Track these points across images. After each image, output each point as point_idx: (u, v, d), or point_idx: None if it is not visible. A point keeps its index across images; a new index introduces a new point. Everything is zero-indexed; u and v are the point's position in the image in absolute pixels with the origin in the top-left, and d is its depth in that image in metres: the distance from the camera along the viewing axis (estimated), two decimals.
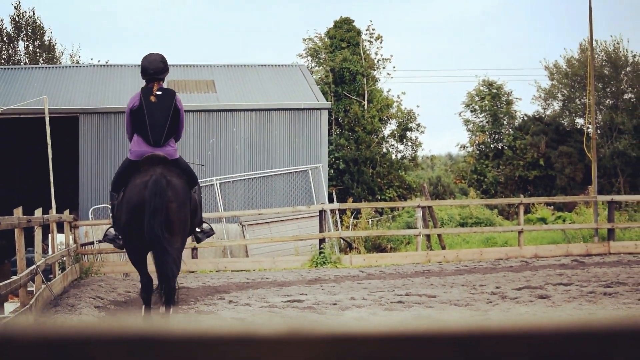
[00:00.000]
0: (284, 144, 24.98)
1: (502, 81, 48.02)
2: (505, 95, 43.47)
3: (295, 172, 24.68)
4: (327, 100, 32.57)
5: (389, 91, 41.64)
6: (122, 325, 0.98)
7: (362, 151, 36.47)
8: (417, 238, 18.97)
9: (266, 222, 22.93)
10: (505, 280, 13.37)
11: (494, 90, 43.27)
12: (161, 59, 8.48)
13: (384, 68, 40.54)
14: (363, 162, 36.52)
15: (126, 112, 8.48)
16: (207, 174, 23.96)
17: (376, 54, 40.10)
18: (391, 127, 40.37)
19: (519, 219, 19.42)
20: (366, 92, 38.40)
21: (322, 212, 18.40)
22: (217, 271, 17.23)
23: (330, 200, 30.43)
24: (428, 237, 20.03)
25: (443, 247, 20.17)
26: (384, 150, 39.13)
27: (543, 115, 43.42)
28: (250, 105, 24.91)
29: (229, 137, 24.69)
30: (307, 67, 35.12)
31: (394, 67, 63.73)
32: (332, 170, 35.64)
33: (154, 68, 8.36)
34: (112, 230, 8.72)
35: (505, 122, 43.52)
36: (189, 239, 10.71)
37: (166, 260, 7.75)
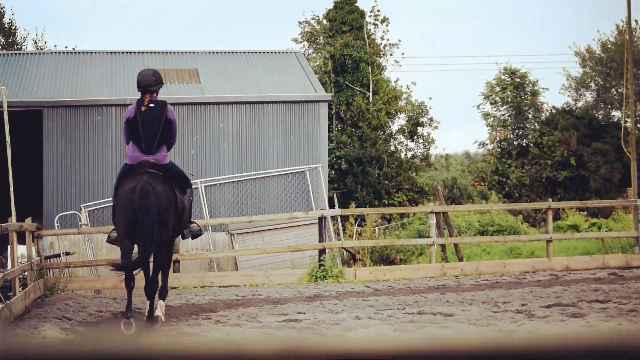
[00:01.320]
0: (278, 142, 24.94)
1: (526, 69, 47.98)
2: (530, 85, 43.53)
3: (291, 173, 24.65)
4: (326, 91, 32.57)
5: (397, 81, 41.66)
6: (95, 348, 0.94)
7: (367, 149, 36.48)
8: (430, 248, 18.92)
9: (258, 231, 22.89)
10: (532, 297, 13.33)
11: (517, 80, 43.33)
12: (153, 73, 10.67)
13: (391, 55, 40.66)
14: (368, 162, 36.53)
15: (123, 122, 10.71)
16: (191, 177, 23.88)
17: (382, 38, 40.18)
18: (400, 121, 40.44)
19: (547, 226, 19.37)
20: (371, 82, 38.42)
21: (321, 219, 18.36)
22: (202, 287, 17.18)
23: (331, 206, 30.38)
24: (443, 247, 20.00)
25: (460, 259, 20.13)
26: (392, 148, 39.16)
27: (574, 108, 43.48)
28: (239, 98, 24.89)
29: (215, 133, 24.66)
30: (304, 54, 35.16)
31: (402, 54, 64.06)
32: (333, 172, 35.62)
33: (145, 81, 10.54)
34: (114, 233, 10.87)
35: (530, 116, 43.58)
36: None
37: (155, 253, 10.35)
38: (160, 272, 10.82)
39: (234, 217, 22.79)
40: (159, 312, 10.71)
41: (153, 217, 9.93)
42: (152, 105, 10.47)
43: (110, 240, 11.02)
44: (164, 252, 10.61)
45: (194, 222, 11.40)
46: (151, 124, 10.38)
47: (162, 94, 21.10)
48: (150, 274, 10.52)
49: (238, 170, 24.53)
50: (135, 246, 10.36)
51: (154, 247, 10.13)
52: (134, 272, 10.50)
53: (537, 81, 43.81)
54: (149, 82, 10.55)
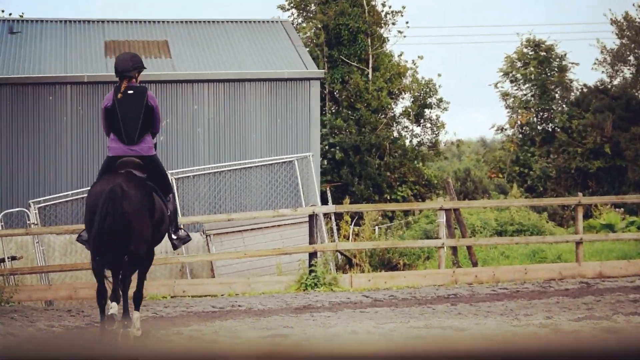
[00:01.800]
0: (261, 127, 24.94)
1: (553, 41, 48.12)
2: (558, 60, 43.54)
3: (277, 163, 24.65)
4: (318, 67, 32.56)
5: (400, 55, 41.60)
6: None
7: (366, 135, 36.49)
8: (439, 251, 18.97)
9: (238, 231, 22.89)
10: (559, 308, 13.38)
11: (542, 53, 43.34)
12: (130, 57, 11.30)
13: (393, 24, 40.56)
14: (367, 151, 36.55)
15: (102, 111, 11.27)
16: None
17: (384, 5, 40.12)
18: (404, 103, 40.42)
19: (576, 225, 19.43)
20: (371, 56, 38.40)
21: (312, 217, 18.39)
22: (172, 297, 17.20)
23: (324, 201, 30.36)
24: (454, 249, 20.03)
25: (474, 264, 20.17)
26: (395, 134, 39.16)
27: (609, 86, 43.52)
28: (216, 75, 24.87)
29: (188, 117, 24.65)
30: (292, 24, 35.09)
31: (407, 23, 63.70)
32: (325, 162, 35.62)
33: (122, 67, 11.18)
34: (85, 233, 11.17)
35: (557, 96, 43.61)
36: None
37: (123, 265, 10.72)
38: (138, 276, 11.44)
39: (210, 214, 22.78)
40: (132, 327, 10.93)
41: (118, 225, 10.32)
42: (130, 92, 11.10)
43: (80, 240, 11.37)
44: (133, 265, 10.91)
45: (182, 229, 12.08)
46: (131, 112, 11.02)
47: None
48: (119, 289, 10.89)
49: (215, 160, 24.52)
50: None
51: (119, 257, 10.56)
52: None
53: (565, 55, 43.82)
54: (125, 68, 11.18)
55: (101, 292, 10.64)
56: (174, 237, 11.75)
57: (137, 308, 11.32)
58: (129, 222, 10.41)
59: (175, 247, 11.90)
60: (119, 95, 11.07)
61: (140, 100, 11.11)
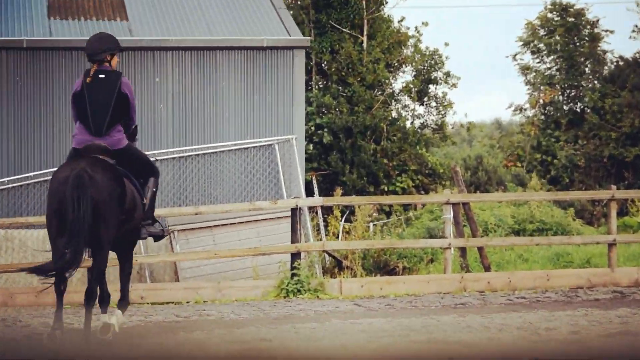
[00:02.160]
0: (236, 103, 24.89)
1: (583, 4, 48.03)
2: (589, 27, 43.53)
3: (254, 147, 24.61)
4: (303, 34, 32.47)
5: (401, 21, 41.55)
6: None
7: (360, 116, 36.48)
8: (445, 253, 18.92)
9: (207, 227, 22.87)
10: (588, 322, 13.35)
11: (570, 19, 43.33)
12: (98, 39, 11.79)
13: None
14: (360, 134, 36.54)
15: (71, 97, 11.74)
16: None
17: None
18: (405, 77, 40.41)
19: (609, 224, 19.39)
20: (366, 21, 38.37)
21: (295, 211, 18.32)
22: (129, 304, 17.13)
23: (310, 193, 30.32)
24: (463, 251, 20.01)
25: (487, 268, 20.17)
26: (394, 114, 39.16)
27: None
28: (182, 42, 24.78)
29: (149, 92, 24.60)
30: None
31: None
32: (312, 146, 35.59)
33: (89, 49, 11.68)
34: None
35: (587, 70, 43.61)
36: None
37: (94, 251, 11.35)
38: (120, 279, 12.33)
39: (174, 207, 22.73)
40: (113, 320, 11.68)
41: (85, 211, 10.79)
42: (101, 76, 11.54)
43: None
44: (103, 255, 11.39)
45: (157, 221, 12.51)
46: (100, 100, 11.44)
47: (71, 36, 21.08)
48: (90, 282, 11.45)
49: (180, 143, 24.46)
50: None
51: (86, 247, 11.04)
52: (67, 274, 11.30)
53: (597, 21, 43.84)
54: (93, 50, 11.67)
55: (58, 283, 11.19)
56: (143, 230, 12.26)
57: (120, 309, 12.22)
58: (97, 209, 10.86)
59: (139, 235, 12.35)
60: (88, 79, 11.48)
61: (112, 86, 11.48)
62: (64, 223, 10.86)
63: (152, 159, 12.57)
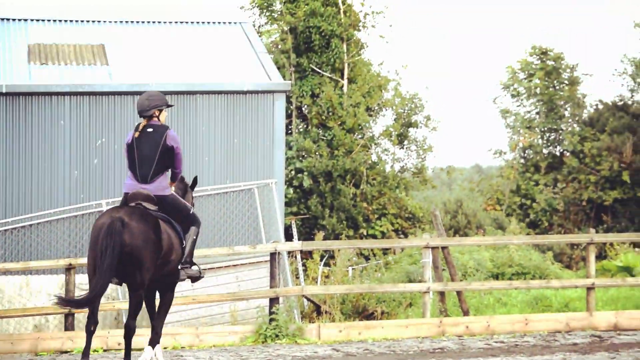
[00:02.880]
0: (215, 147, 24.93)
1: (560, 50, 48.28)
2: (568, 71, 43.79)
3: (233, 192, 24.62)
4: (284, 78, 32.62)
5: (381, 64, 41.74)
6: None
7: (339, 160, 36.55)
8: (424, 297, 18.93)
9: None
10: None
11: (550, 63, 43.61)
12: (147, 97, 13.05)
13: (373, 27, 40.72)
14: (340, 177, 36.60)
15: (124, 147, 13.12)
16: (94, 196, 23.73)
17: (362, 4, 40.31)
18: (385, 121, 40.66)
19: (588, 268, 19.45)
20: (346, 65, 38.54)
21: (274, 256, 18.32)
22: (105, 350, 17.11)
23: (289, 237, 30.28)
24: (442, 295, 20.02)
25: (466, 312, 20.18)
26: (374, 158, 39.24)
27: (629, 102, 43.74)
28: (163, 86, 24.80)
29: (126, 134, 24.56)
30: (254, 26, 35.16)
31: (390, 26, 63.95)
32: (291, 190, 35.62)
33: (139, 107, 12.98)
34: None
35: (567, 114, 43.81)
36: None
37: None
38: (157, 314, 13.68)
39: None
40: (159, 356, 13.30)
41: (113, 258, 11.94)
42: (149, 130, 12.87)
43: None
44: (138, 294, 12.64)
45: (194, 264, 13.73)
46: (148, 151, 12.79)
47: (51, 81, 21.19)
48: (127, 318, 12.81)
49: None
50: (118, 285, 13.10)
51: (104, 289, 12.06)
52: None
53: (576, 65, 44.12)
54: (142, 108, 12.99)
55: (89, 323, 12.28)
56: (182, 272, 13.46)
57: (152, 345, 13.45)
58: (130, 254, 12.08)
59: (178, 277, 13.52)
60: (136, 134, 12.84)
61: (158, 140, 12.79)
62: (102, 265, 11.91)
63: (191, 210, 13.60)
